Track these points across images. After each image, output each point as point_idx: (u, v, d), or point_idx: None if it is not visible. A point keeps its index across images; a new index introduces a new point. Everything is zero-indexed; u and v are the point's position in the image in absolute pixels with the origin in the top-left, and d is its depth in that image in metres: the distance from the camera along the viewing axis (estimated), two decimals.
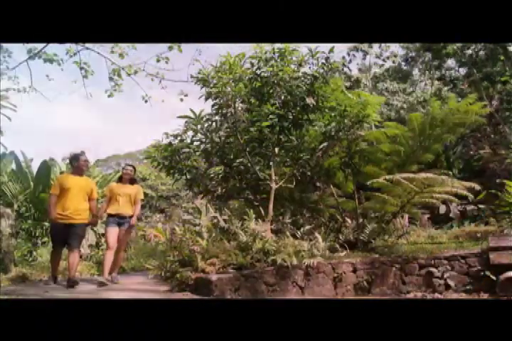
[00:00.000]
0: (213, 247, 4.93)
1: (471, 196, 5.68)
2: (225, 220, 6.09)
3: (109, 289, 4.77)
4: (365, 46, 15.15)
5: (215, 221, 6.23)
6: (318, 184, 7.87)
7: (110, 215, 5.41)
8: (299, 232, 5.78)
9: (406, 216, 8.70)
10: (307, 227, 5.97)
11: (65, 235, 4.96)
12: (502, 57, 9.09)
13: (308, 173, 6.51)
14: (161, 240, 9.23)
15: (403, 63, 16.13)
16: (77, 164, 5.28)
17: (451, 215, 10.33)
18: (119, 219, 5.38)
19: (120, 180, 5.72)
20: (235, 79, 5.68)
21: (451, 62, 13.01)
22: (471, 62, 10.57)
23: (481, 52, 10.21)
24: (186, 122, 6.07)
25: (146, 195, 21.67)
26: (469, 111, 6.31)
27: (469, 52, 10.30)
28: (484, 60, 9.84)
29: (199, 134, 6.22)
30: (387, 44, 16.08)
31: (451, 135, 6.65)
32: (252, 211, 5.40)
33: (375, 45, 16.44)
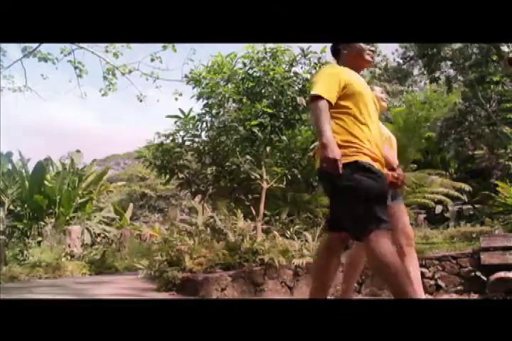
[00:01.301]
0: (201, 247, 4.93)
1: (461, 196, 5.68)
2: (221, 220, 6.11)
3: (95, 287, 4.77)
4: None
5: (211, 220, 6.25)
6: (315, 183, 7.87)
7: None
8: (288, 232, 5.78)
9: None
10: (297, 227, 5.96)
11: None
12: (495, 57, 9.11)
13: (299, 175, 6.51)
14: (157, 239, 9.29)
15: (402, 61, 16.09)
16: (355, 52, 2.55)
17: (447, 215, 10.31)
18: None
19: None
20: (225, 80, 5.69)
21: (444, 65, 13.01)
22: (468, 64, 10.58)
23: (476, 50, 10.23)
24: (176, 122, 6.10)
25: (145, 194, 21.78)
26: (448, 103, 6.33)
27: (465, 53, 10.33)
28: (479, 60, 9.85)
29: (190, 134, 6.24)
30: (379, 45, 16.01)
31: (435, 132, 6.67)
32: (240, 210, 5.40)
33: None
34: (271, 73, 5.89)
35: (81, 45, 7.18)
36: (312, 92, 2.25)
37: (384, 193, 2.23)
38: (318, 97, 2.20)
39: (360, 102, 2.30)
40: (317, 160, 2.29)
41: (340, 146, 2.13)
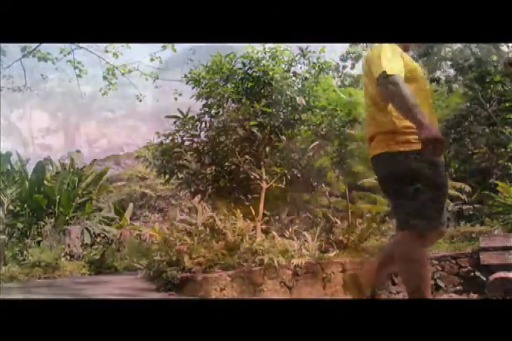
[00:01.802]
0: (201, 247, 4.92)
1: (461, 196, 5.68)
2: (220, 220, 6.09)
3: (94, 287, 4.77)
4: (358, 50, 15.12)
5: (211, 220, 6.24)
6: (315, 184, 7.87)
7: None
8: (287, 232, 5.78)
9: None
10: (296, 227, 5.96)
11: None
12: (495, 57, 9.12)
13: (298, 174, 6.51)
14: (156, 239, 9.30)
15: None
16: None
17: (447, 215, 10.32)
18: None
19: None
20: (224, 79, 5.70)
21: (445, 65, 13.02)
22: (468, 64, 10.58)
23: (475, 50, 10.24)
24: (175, 122, 6.10)
25: (145, 194, 21.76)
26: (450, 105, 6.34)
27: (465, 53, 10.35)
28: (479, 60, 9.86)
29: (189, 134, 6.24)
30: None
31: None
32: (239, 210, 5.39)
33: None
34: (270, 73, 5.90)
35: (81, 45, 7.19)
36: (385, 69, 2.01)
37: (445, 187, 2.07)
38: (392, 74, 1.97)
39: (421, 86, 2.19)
40: (375, 147, 2.14)
41: (402, 133, 1.99)
